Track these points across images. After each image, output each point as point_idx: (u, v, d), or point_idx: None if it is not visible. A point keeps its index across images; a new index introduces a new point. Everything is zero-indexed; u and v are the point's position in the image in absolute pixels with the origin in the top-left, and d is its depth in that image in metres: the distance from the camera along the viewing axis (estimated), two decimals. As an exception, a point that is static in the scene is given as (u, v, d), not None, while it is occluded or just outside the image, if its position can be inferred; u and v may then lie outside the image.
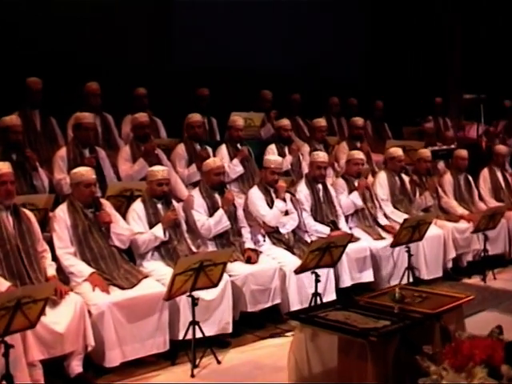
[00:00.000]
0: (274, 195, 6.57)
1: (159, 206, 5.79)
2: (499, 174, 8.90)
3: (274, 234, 6.51)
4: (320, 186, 7.05)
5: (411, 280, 6.82)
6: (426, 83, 11.38)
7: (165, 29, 9.01)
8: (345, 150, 8.32)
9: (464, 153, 8.48)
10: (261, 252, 6.24)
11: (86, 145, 6.40)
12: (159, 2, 9.02)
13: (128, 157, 6.79)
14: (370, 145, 9.00)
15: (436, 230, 7.44)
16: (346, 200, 7.22)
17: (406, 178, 7.92)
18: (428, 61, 11.61)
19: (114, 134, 7.54)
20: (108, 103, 7.46)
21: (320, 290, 5.86)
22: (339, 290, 6.49)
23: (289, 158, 7.78)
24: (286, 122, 8.09)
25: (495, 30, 11.69)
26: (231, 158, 7.34)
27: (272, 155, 7.22)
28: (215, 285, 5.20)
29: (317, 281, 5.73)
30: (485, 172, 8.87)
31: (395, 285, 5.74)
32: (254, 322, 5.96)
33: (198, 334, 5.07)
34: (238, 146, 7.48)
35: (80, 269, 5.14)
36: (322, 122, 8.49)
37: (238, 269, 5.81)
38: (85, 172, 5.36)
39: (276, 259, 6.20)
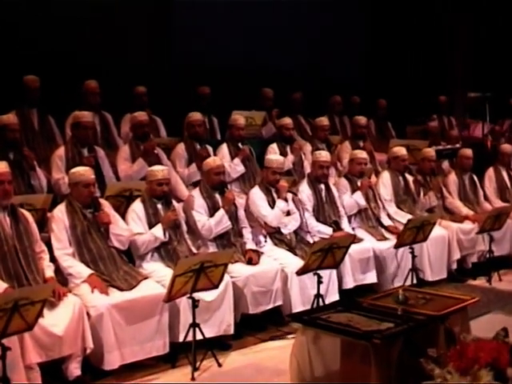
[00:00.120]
0: (275, 195, 6.56)
1: (159, 206, 5.79)
2: (505, 174, 8.88)
3: (275, 235, 6.50)
4: (322, 186, 7.05)
5: (415, 281, 6.81)
6: (431, 81, 11.36)
7: (165, 27, 9.02)
8: (347, 150, 8.31)
9: (469, 152, 8.47)
10: (262, 253, 6.23)
11: (85, 144, 6.40)
12: (159, 1, 9.02)
13: (127, 156, 6.78)
14: (373, 144, 8.98)
15: (440, 231, 7.44)
16: (349, 200, 7.21)
17: (410, 178, 7.91)
18: (432, 59, 11.60)
19: (113, 133, 7.54)
20: (107, 102, 7.46)
21: (322, 292, 5.86)
22: (342, 292, 6.49)
23: (291, 157, 7.78)
24: (287, 120, 8.08)
25: (501, 27, 11.67)
26: (232, 158, 7.33)
27: (273, 155, 7.21)
28: (216, 286, 5.20)
29: (319, 282, 5.73)
30: (490, 172, 8.86)
31: (399, 286, 5.71)
32: (255, 324, 5.96)
33: (199, 336, 5.07)
34: (239, 145, 7.48)
35: (78, 270, 5.14)
36: (324, 120, 8.48)
37: (239, 270, 5.81)
38: (84, 172, 5.36)
39: (278, 260, 6.20)
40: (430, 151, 8.19)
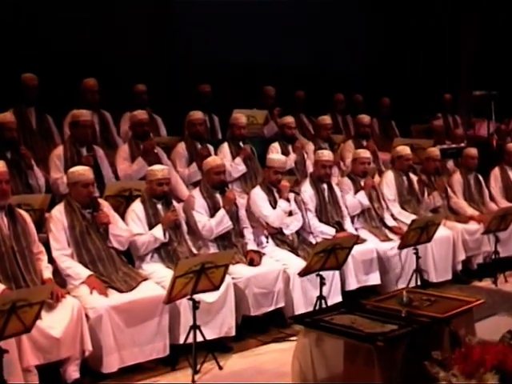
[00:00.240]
0: (277, 195, 6.56)
1: (159, 206, 5.79)
2: (511, 174, 8.86)
3: (277, 236, 6.50)
4: (325, 186, 7.05)
5: (419, 283, 6.79)
6: (435, 79, 11.36)
7: (165, 23, 9.01)
8: (351, 149, 8.30)
9: (474, 151, 8.46)
10: (264, 254, 6.23)
11: (84, 143, 6.40)
12: (160, -3, 9.06)
13: (127, 155, 6.78)
14: (377, 143, 8.98)
15: (445, 232, 7.43)
16: (353, 200, 7.21)
17: (414, 178, 7.90)
18: (437, 57, 11.59)
19: (112, 131, 7.53)
20: (106, 100, 7.45)
21: (325, 293, 5.86)
22: (345, 293, 6.49)
23: (293, 156, 7.78)
24: (290, 119, 8.08)
25: (506, 25, 11.66)
26: (233, 157, 7.33)
27: (275, 154, 7.21)
28: (217, 287, 5.20)
29: (322, 284, 5.73)
30: (496, 171, 8.85)
31: (403, 288, 5.73)
32: (256, 327, 5.96)
33: (199, 339, 5.07)
34: (241, 144, 7.48)
35: (77, 271, 5.14)
36: (326, 119, 8.47)
37: (240, 271, 5.80)
38: (83, 171, 5.35)
39: (280, 261, 6.20)
40: (435, 150, 8.19)
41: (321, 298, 5.75)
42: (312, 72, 9.97)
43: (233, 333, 5.58)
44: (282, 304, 6.04)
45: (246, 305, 5.78)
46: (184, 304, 5.21)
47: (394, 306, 4.58)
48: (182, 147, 7.26)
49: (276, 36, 9.65)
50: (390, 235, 7.19)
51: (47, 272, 5.01)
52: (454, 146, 9.45)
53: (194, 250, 5.88)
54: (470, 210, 8.15)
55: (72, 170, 5.41)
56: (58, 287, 4.87)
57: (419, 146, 8.72)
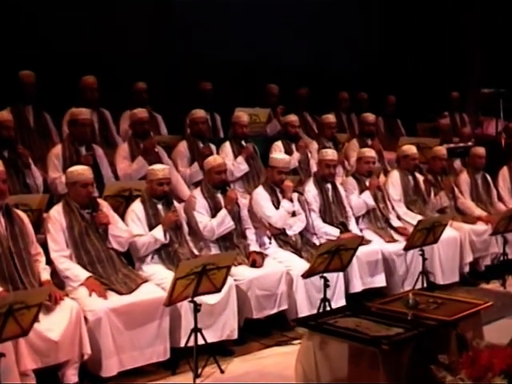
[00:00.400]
0: (280, 195, 6.55)
1: (159, 206, 5.78)
2: (519, 173, 8.87)
3: (280, 236, 6.50)
4: (329, 186, 7.04)
5: (425, 285, 6.80)
6: (442, 77, 11.35)
7: (165, 20, 9.02)
8: (355, 148, 8.30)
9: (482, 150, 8.45)
10: (266, 255, 6.23)
11: (83, 142, 6.39)
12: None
13: (126, 155, 6.78)
14: (382, 142, 8.98)
15: (452, 233, 7.42)
16: (357, 200, 7.21)
17: (420, 178, 7.90)
18: (444, 54, 11.58)
19: (111, 130, 7.53)
20: (105, 98, 7.45)
21: (329, 296, 5.86)
22: (349, 296, 6.48)
23: (296, 155, 7.77)
24: (293, 117, 8.08)
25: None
26: (235, 156, 7.33)
27: (279, 153, 7.21)
28: (218, 290, 5.19)
29: (326, 286, 5.73)
30: (504, 171, 8.84)
31: (409, 290, 5.73)
32: (259, 329, 5.96)
33: (201, 342, 5.07)
34: (243, 143, 7.48)
35: (76, 273, 5.14)
36: (330, 118, 8.47)
37: (242, 273, 5.80)
38: (82, 171, 5.35)
39: (283, 263, 6.19)
40: (441, 149, 8.17)
41: (325, 300, 5.75)
42: (312, 72, 9.97)
43: (235, 336, 5.58)
44: (285, 306, 6.04)
45: (248, 307, 5.78)
46: (185, 306, 5.20)
47: (400, 308, 4.58)
48: (183, 146, 7.26)
49: (276, 36, 9.65)
50: (396, 236, 7.19)
51: (45, 274, 5.00)
52: (461, 144, 9.44)
53: (195, 251, 5.88)
54: (478, 211, 8.14)
55: (71, 169, 5.41)
56: (56, 289, 4.87)
57: (425, 145, 8.71)
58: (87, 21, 7.97)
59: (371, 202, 7.22)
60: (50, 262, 5.16)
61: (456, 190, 8.25)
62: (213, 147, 7.34)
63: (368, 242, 6.82)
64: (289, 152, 7.60)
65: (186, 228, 5.96)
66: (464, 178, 8.43)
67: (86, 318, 4.84)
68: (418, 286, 6.71)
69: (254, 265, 5.97)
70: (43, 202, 5.70)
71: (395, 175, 7.74)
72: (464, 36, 11.63)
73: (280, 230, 6.49)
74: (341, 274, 6.30)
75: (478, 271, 7.84)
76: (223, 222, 6.02)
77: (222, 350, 5.46)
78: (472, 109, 11.34)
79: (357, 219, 7.21)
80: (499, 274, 7.65)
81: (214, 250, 6.04)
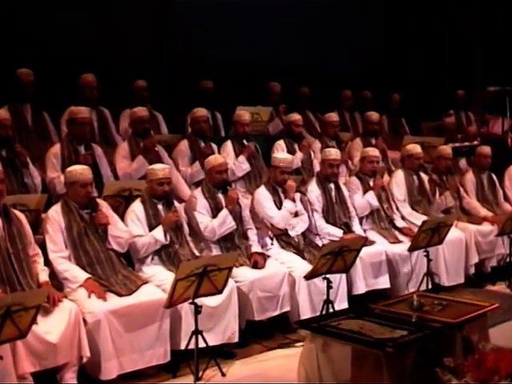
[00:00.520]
0: (282, 195, 6.55)
1: (160, 206, 5.78)
2: (526, 173, 8.86)
3: (282, 237, 6.49)
4: (332, 186, 7.03)
5: (430, 287, 6.79)
6: (447, 75, 11.34)
7: (165, 18, 9.03)
8: (359, 147, 8.30)
9: (487, 150, 8.44)
10: (268, 256, 6.23)
11: (82, 141, 6.40)
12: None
13: (126, 154, 6.78)
14: (386, 141, 8.97)
15: (457, 233, 7.41)
16: (361, 200, 7.20)
17: (425, 177, 7.89)
18: (449, 52, 11.57)
19: (111, 129, 7.54)
20: (105, 96, 7.46)
21: (332, 297, 5.85)
22: (353, 298, 6.48)
23: (299, 154, 7.77)
24: (297, 116, 8.07)
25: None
26: (237, 155, 7.33)
27: (281, 153, 7.20)
28: (220, 291, 5.18)
29: (328, 287, 5.72)
30: (510, 170, 8.82)
31: (413, 292, 5.72)
32: (261, 332, 5.95)
33: (201, 344, 5.06)
34: (244, 142, 7.48)
35: (75, 274, 5.14)
36: (334, 116, 8.47)
37: (244, 274, 5.80)
38: (81, 171, 5.35)
39: (285, 264, 6.19)
40: (446, 149, 8.16)
41: (327, 302, 5.74)
42: (312, 72, 9.98)
43: (236, 338, 5.57)
44: (287, 308, 6.03)
45: (249, 309, 5.77)
46: (185, 308, 5.20)
47: (404, 310, 4.58)
48: (184, 145, 7.26)
49: (276, 36, 9.66)
50: (400, 237, 7.18)
51: (43, 275, 5.00)
52: (466, 144, 9.42)
53: (196, 252, 5.87)
54: (484, 211, 8.13)
55: (70, 169, 5.41)
56: (54, 291, 4.87)
57: (430, 144, 8.71)
58: (87, 21, 8.00)
59: (375, 203, 7.21)
60: (48, 262, 5.16)
61: (461, 189, 8.24)
62: (214, 146, 7.34)
63: (372, 242, 6.82)
64: (291, 151, 7.59)
65: (186, 228, 5.96)
66: (469, 177, 8.42)
67: (84, 320, 4.84)
68: (423, 287, 6.69)
69: (255, 266, 5.97)
70: (41, 202, 5.71)
71: (399, 175, 7.73)
72: (464, 36, 11.62)
73: (282, 231, 6.49)
74: (343, 276, 6.29)
75: (484, 272, 7.84)
76: (224, 223, 6.02)
77: (223, 353, 5.46)
78: (478, 107, 11.32)
79: (360, 220, 7.20)
80: (505, 275, 7.63)
81: (215, 251, 6.04)
